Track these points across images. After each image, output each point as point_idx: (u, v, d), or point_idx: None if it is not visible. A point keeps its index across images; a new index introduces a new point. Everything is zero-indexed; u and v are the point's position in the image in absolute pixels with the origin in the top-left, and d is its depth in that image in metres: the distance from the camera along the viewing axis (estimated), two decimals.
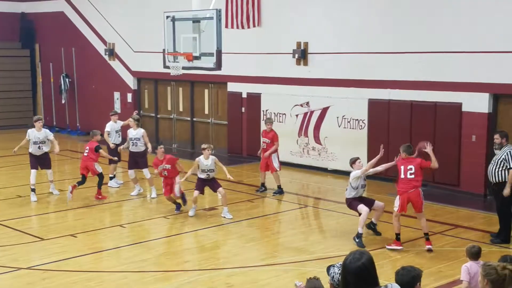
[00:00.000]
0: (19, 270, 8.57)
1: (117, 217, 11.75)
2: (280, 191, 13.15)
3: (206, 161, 11.21)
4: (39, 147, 12.51)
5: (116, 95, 20.98)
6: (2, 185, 14.00)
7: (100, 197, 12.58)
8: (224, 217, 11.31)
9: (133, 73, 20.38)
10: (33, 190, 12.47)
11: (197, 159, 11.35)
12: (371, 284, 3.79)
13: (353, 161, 10.06)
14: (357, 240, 9.70)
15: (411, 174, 9.38)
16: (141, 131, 13.09)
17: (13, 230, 10.50)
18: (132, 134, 13.05)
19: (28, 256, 9.17)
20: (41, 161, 12.63)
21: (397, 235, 9.46)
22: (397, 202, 9.47)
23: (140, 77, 20.31)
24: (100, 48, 21.23)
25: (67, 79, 22.50)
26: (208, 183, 11.38)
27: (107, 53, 20.90)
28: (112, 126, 13.88)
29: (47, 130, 12.82)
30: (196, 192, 11.33)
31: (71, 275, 8.34)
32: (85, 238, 10.13)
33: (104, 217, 11.68)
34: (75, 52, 22.31)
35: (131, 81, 20.53)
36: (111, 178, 13.78)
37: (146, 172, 12.98)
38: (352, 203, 10.00)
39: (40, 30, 23.87)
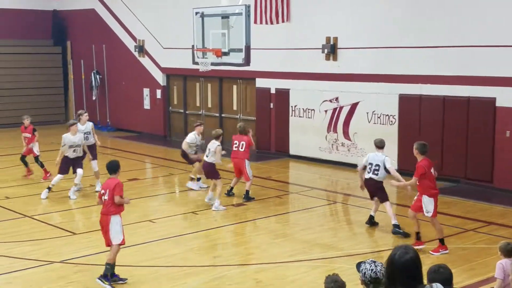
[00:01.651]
0: (52, 263, 8.71)
1: (147, 212, 11.83)
2: (249, 197, 12.21)
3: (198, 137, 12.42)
4: (74, 151, 12.34)
5: (146, 91, 21.15)
6: (35, 180, 14.23)
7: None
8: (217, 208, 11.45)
9: (162, 70, 20.51)
10: (49, 188, 12.47)
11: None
12: (417, 280, 3.69)
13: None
14: (400, 231, 9.70)
15: (437, 175, 9.26)
16: (90, 125, 13.10)
17: (47, 224, 10.68)
18: (81, 129, 12.73)
19: (60, 250, 9.30)
20: (75, 163, 12.47)
21: (441, 240, 9.03)
22: (430, 206, 8.99)
23: (169, 73, 20.44)
24: (130, 45, 21.42)
25: (97, 76, 22.79)
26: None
27: (137, 49, 21.08)
28: (195, 139, 12.84)
29: (82, 135, 12.51)
30: (219, 181, 11.53)
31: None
32: None
33: (134, 212, 11.77)
34: (106, 49, 22.56)
35: (160, 78, 20.67)
36: (198, 179, 13.30)
37: (94, 163, 12.96)
38: (384, 188, 10.14)
39: (71, 28, 24.21)
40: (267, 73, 17.03)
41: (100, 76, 22.80)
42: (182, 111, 20.33)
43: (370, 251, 9.04)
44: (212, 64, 13.35)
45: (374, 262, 4.15)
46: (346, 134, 15.41)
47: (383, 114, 14.54)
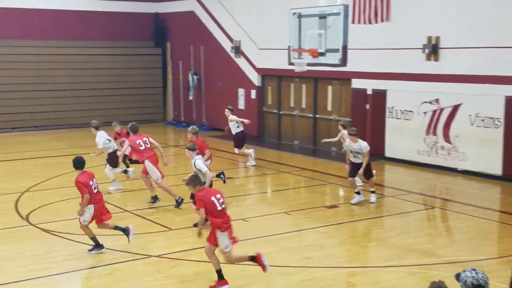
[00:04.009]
0: (149, 257, 8.98)
1: (240, 211, 11.94)
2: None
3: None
4: None
5: (241, 91, 21.43)
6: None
7: None
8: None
9: (258, 70, 20.69)
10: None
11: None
12: None
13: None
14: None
15: (222, 203, 7.85)
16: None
17: (144, 219, 11.05)
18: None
19: (157, 244, 9.58)
20: None
21: (219, 271, 7.81)
22: (223, 240, 7.73)
23: (264, 73, 20.57)
24: (227, 45, 21.79)
25: (195, 76, 23.38)
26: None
27: (233, 50, 21.41)
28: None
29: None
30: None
31: (197, 265, 8.58)
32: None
33: (228, 211, 11.89)
34: (203, 50, 23.09)
35: (255, 78, 20.86)
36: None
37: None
38: None
39: (171, 29, 25.01)
40: (364, 73, 16.70)
41: (197, 77, 23.38)
42: (276, 111, 20.40)
43: (471, 259, 8.59)
44: (308, 64, 13.30)
45: (475, 270, 4.12)
46: (446, 137, 14.80)
47: (487, 117, 13.82)
